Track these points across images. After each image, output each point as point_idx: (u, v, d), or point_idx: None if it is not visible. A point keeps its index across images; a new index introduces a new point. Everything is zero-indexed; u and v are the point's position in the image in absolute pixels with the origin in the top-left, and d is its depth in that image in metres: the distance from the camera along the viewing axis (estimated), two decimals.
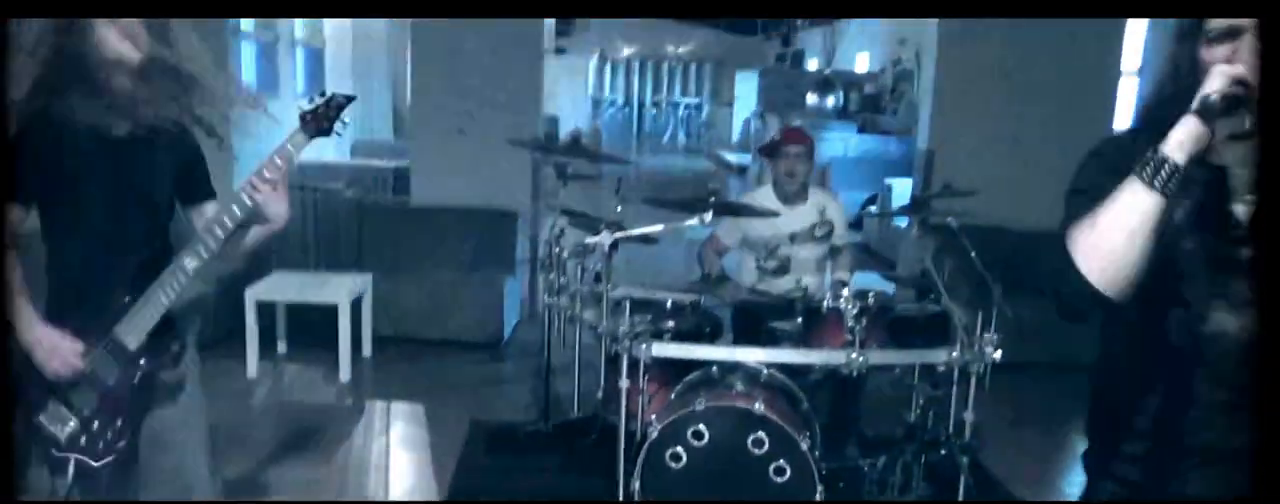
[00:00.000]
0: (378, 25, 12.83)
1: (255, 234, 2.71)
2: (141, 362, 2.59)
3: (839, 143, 13.52)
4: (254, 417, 5.52)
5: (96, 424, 2.59)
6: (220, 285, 6.22)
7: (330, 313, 5.90)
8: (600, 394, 4.65)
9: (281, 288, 6.12)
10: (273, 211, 2.63)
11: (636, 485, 3.80)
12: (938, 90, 7.47)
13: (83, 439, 2.59)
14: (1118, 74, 7.49)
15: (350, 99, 2.66)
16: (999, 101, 7.23)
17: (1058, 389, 6.14)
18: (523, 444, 5.02)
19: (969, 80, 7.30)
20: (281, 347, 6.36)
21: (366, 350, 6.33)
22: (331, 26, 11.48)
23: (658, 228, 4.08)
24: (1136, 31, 9.58)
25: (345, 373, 5.94)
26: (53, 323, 2.57)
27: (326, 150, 10.72)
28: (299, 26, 10.63)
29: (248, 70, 8.35)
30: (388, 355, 6.37)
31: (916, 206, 5.16)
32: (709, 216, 3.97)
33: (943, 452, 4.27)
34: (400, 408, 5.64)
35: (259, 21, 9.40)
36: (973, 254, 4.48)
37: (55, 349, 2.55)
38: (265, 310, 6.05)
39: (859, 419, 4.60)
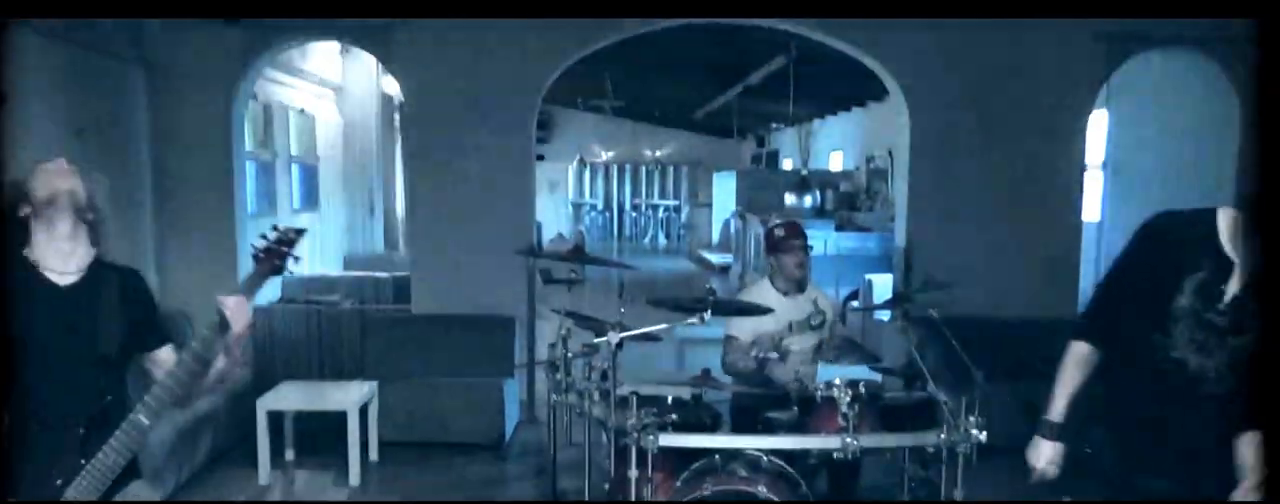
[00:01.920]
0: (368, 141, 13.21)
1: (212, 381, 2.73)
2: None
3: (818, 241, 13.75)
4: None
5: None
6: (229, 396, 6.45)
7: (336, 419, 6.11)
8: (608, 485, 4.85)
9: (290, 397, 6.34)
10: (239, 353, 2.70)
11: None
12: (912, 188, 7.81)
13: None
14: (1082, 168, 7.85)
15: (301, 232, 2.73)
16: (970, 198, 7.57)
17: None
18: None
19: (940, 178, 7.65)
20: (289, 454, 6.54)
21: (374, 455, 6.51)
22: (324, 145, 11.83)
23: (661, 326, 4.35)
24: (1099, 125, 10.01)
25: (355, 477, 6.13)
26: (16, 482, 2.54)
27: (324, 264, 11.01)
28: (294, 145, 10.97)
29: (249, 187, 8.64)
30: (394, 459, 6.56)
31: (899, 300, 5.44)
32: (708, 315, 4.23)
33: None
34: None
35: (259, 143, 9.75)
36: (954, 342, 4.73)
37: None
38: (274, 419, 6.25)
39: (855, 501, 4.83)
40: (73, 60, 6.27)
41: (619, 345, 4.31)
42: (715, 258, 18.95)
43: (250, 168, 9.00)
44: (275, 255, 2.67)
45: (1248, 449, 2.66)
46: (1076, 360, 3.06)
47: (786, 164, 23.14)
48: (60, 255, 2.69)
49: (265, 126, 9.95)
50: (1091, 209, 10.19)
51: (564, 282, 5.63)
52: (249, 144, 9.05)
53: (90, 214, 2.72)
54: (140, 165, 7.16)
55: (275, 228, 2.71)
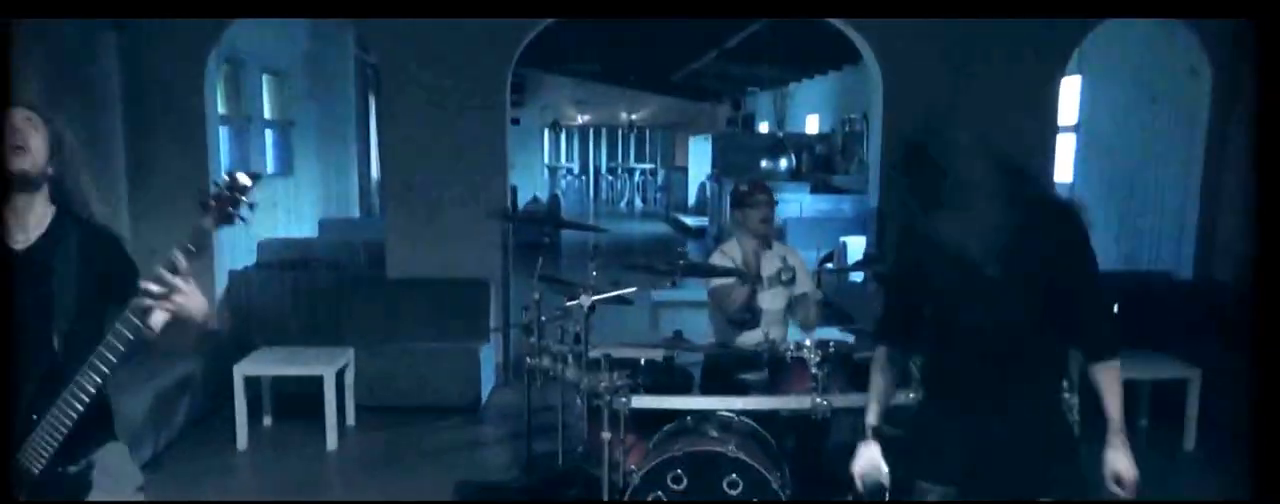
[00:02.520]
0: (345, 105, 13.15)
1: (185, 329, 2.64)
2: (48, 485, 2.55)
3: (794, 203, 13.92)
4: (247, 488, 5.73)
5: None
6: (207, 362, 6.48)
7: (313, 384, 6.14)
8: (582, 448, 4.91)
9: (267, 362, 6.36)
10: (192, 309, 2.56)
11: None
12: (885, 151, 7.86)
13: None
14: (1055, 130, 7.91)
15: (256, 178, 2.58)
16: (943, 160, 7.60)
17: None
18: (507, 499, 5.27)
19: (914, 137, 7.67)
20: (267, 419, 6.57)
21: (351, 420, 6.55)
22: (299, 109, 11.77)
23: (633, 290, 4.40)
24: (1072, 87, 10.07)
25: (332, 442, 6.17)
26: None
27: (298, 228, 11.00)
28: (268, 108, 10.92)
29: (223, 152, 8.60)
30: (371, 424, 6.60)
31: (871, 261, 5.50)
32: (679, 278, 4.28)
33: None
34: (387, 473, 5.86)
35: (232, 105, 9.70)
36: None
37: None
38: (251, 384, 6.28)
39: (825, 460, 4.90)
40: (44, 21, 6.20)
41: (591, 308, 4.36)
42: (691, 221, 19.01)
43: (223, 131, 8.96)
44: (225, 203, 2.52)
45: (1105, 377, 2.88)
46: (879, 364, 3.11)
47: (763, 127, 23.16)
48: (17, 218, 2.63)
49: (238, 90, 9.89)
50: (1063, 171, 10.28)
51: (538, 245, 5.66)
52: (222, 107, 9.00)
53: (50, 169, 2.65)
54: (113, 130, 7.12)
55: (227, 173, 2.57)
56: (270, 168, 10.88)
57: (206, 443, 6.22)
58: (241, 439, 6.15)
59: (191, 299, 2.54)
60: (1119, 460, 2.83)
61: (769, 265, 5.24)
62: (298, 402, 6.45)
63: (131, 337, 2.51)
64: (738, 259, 5.19)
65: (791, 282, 5.25)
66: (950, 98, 7.59)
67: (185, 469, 5.81)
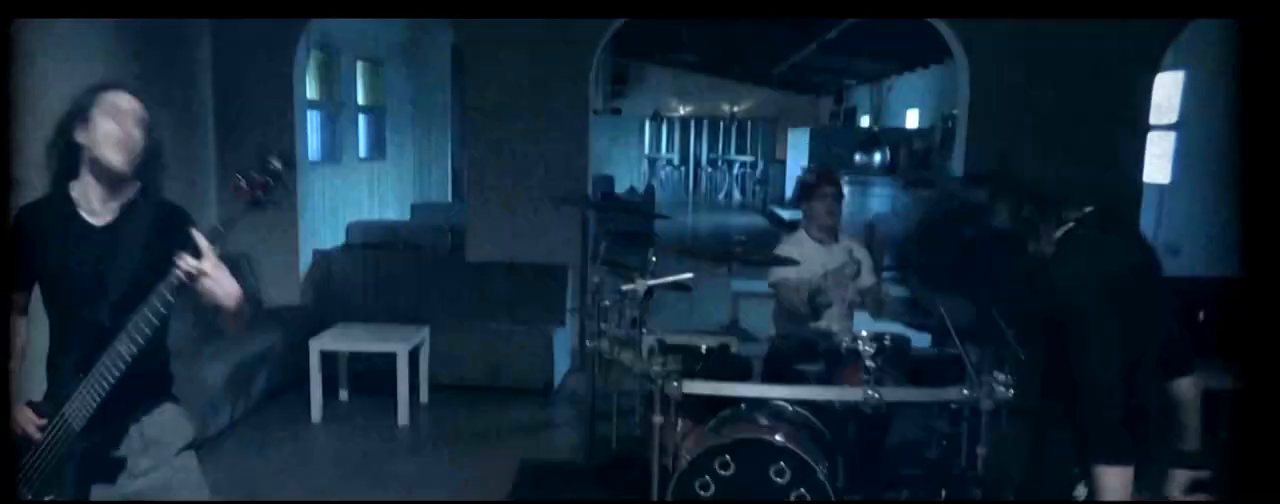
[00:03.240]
0: (441, 92, 13.36)
1: (223, 315, 2.75)
2: (89, 439, 2.69)
3: (885, 198, 13.79)
4: (318, 459, 5.91)
5: (48, 498, 2.69)
6: (285, 336, 6.66)
7: (388, 361, 6.29)
8: (639, 432, 4.96)
9: (344, 339, 6.52)
10: (220, 294, 2.66)
11: None
12: (970, 147, 7.75)
13: None
14: (1146, 127, 7.72)
15: (285, 163, 2.69)
16: (1029, 155, 7.49)
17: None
18: (569, 481, 5.35)
19: (999, 137, 7.58)
20: (343, 394, 6.74)
21: (424, 397, 6.69)
22: (393, 94, 12.01)
23: (687, 276, 4.42)
24: (1167, 84, 9.81)
25: (404, 417, 6.31)
26: (50, 394, 2.72)
27: (388, 211, 11.22)
28: (362, 93, 11.15)
29: (313, 138, 8.82)
30: (444, 402, 6.72)
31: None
32: (735, 266, 4.29)
33: (956, 484, 4.51)
34: (455, 449, 5.97)
35: (324, 91, 9.91)
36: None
37: (17, 422, 2.67)
38: (328, 359, 6.45)
39: (883, 456, 4.87)
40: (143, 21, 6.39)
41: (648, 293, 4.39)
42: (787, 214, 18.91)
43: (314, 117, 9.18)
44: (256, 187, 2.63)
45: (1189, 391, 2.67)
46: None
47: (864, 121, 22.94)
48: (100, 197, 2.75)
49: (331, 76, 10.12)
50: (1161, 170, 10.02)
51: (634, 234, 5.69)
52: (313, 93, 9.23)
53: (141, 158, 2.74)
54: (204, 114, 7.34)
55: (259, 157, 2.67)
56: (362, 153, 11.12)
57: (282, 414, 6.41)
58: (315, 412, 6.32)
59: (218, 282, 2.64)
60: None
61: (835, 259, 5.22)
62: (374, 378, 6.60)
63: (163, 310, 2.63)
64: (801, 252, 5.17)
65: (857, 275, 5.22)
66: (1038, 92, 7.45)
67: (259, 437, 6.02)
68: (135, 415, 2.80)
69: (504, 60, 7.56)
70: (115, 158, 2.68)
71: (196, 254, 2.58)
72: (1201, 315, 6.83)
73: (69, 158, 2.73)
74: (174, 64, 6.97)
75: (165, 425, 2.88)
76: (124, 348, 2.63)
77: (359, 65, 11.03)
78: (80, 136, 2.70)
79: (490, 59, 7.61)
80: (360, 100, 11.11)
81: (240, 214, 2.64)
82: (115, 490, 2.76)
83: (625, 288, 4.54)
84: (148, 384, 2.84)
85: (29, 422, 2.67)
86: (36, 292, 2.84)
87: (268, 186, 2.63)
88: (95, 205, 2.76)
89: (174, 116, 6.87)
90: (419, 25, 12.42)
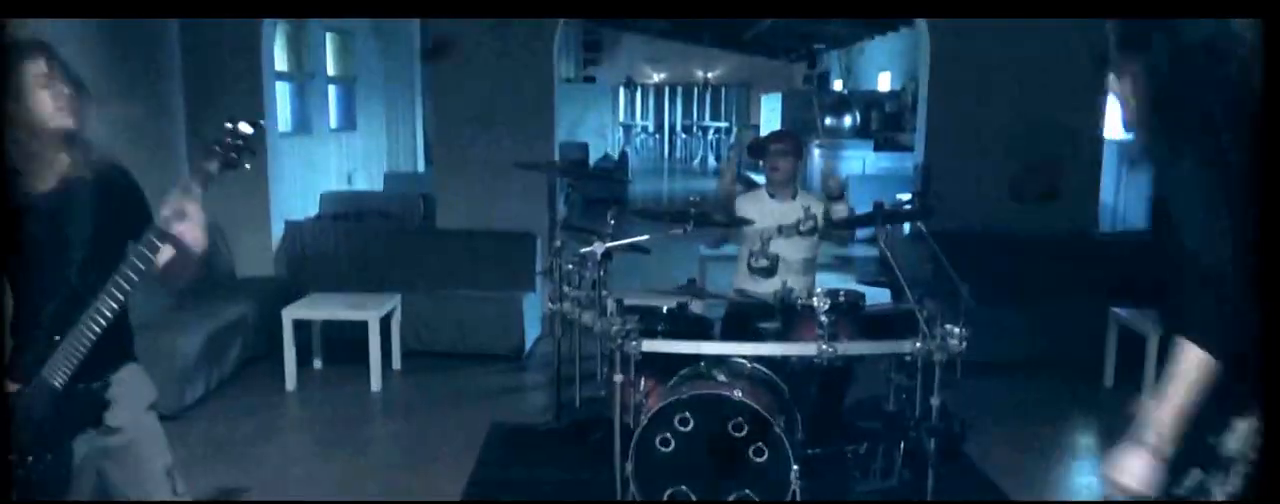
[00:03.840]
0: (409, 58, 13.37)
1: (181, 262, 2.81)
2: (69, 398, 2.74)
3: (856, 160, 13.92)
4: (292, 425, 6.02)
5: (30, 456, 2.72)
6: (258, 305, 6.75)
7: (361, 329, 6.38)
8: (603, 392, 5.08)
9: (316, 308, 6.61)
10: (190, 240, 2.73)
11: (630, 468, 4.22)
12: (931, 107, 7.86)
13: (17, 468, 2.71)
14: (1106, 88, 7.81)
15: (255, 126, 2.77)
16: (989, 117, 7.61)
17: (1034, 386, 6.57)
18: (537, 442, 5.48)
19: (959, 98, 7.69)
20: (317, 362, 6.84)
21: (396, 363, 6.79)
22: (363, 65, 12.03)
23: (644, 237, 4.52)
24: None
25: (376, 383, 6.42)
26: (14, 357, 2.74)
27: (360, 181, 11.28)
28: (331, 65, 11.18)
29: (283, 109, 8.86)
30: (416, 368, 6.84)
31: (877, 213, 5.51)
32: (691, 227, 4.40)
33: (912, 434, 4.65)
34: (427, 413, 6.08)
35: (293, 61, 9.94)
36: (941, 256, 4.85)
37: None
38: (302, 328, 6.55)
39: (843, 409, 5.00)
40: None
41: (607, 255, 4.50)
42: (760, 178, 19.01)
43: (284, 88, 9.23)
44: (229, 150, 2.71)
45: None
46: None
47: (837, 85, 23.02)
48: (42, 165, 2.77)
49: (300, 47, 10.15)
50: (1113, 127, 10.15)
51: (607, 201, 5.79)
52: (282, 64, 9.26)
53: (77, 116, 2.76)
54: (173, 85, 7.38)
55: (231, 119, 2.75)
56: (333, 122, 11.16)
57: (257, 383, 6.51)
58: (290, 380, 6.42)
59: (197, 226, 2.73)
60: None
61: (790, 214, 5.33)
62: (347, 346, 6.69)
63: (143, 266, 2.70)
64: (758, 209, 5.29)
65: (813, 232, 5.33)
66: (998, 56, 7.56)
67: (234, 406, 6.11)
68: (103, 374, 2.86)
69: (470, 29, 7.61)
70: (58, 123, 2.72)
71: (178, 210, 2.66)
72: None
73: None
74: (142, 37, 6.99)
75: (130, 384, 2.95)
76: (104, 306, 2.71)
77: (328, 36, 11.05)
78: (11, 105, 2.70)
79: (453, 28, 7.66)
80: (330, 71, 11.14)
81: (215, 172, 2.71)
82: (84, 444, 2.83)
83: (584, 251, 4.65)
84: (112, 344, 2.87)
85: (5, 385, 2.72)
86: None
87: (238, 148, 2.71)
88: (40, 175, 2.77)
89: (143, 91, 6.91)
90: None
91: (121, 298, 2.72)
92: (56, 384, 2.74)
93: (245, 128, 2.74)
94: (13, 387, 2.73)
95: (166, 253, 2.77)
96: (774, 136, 5.46)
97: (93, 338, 2.73)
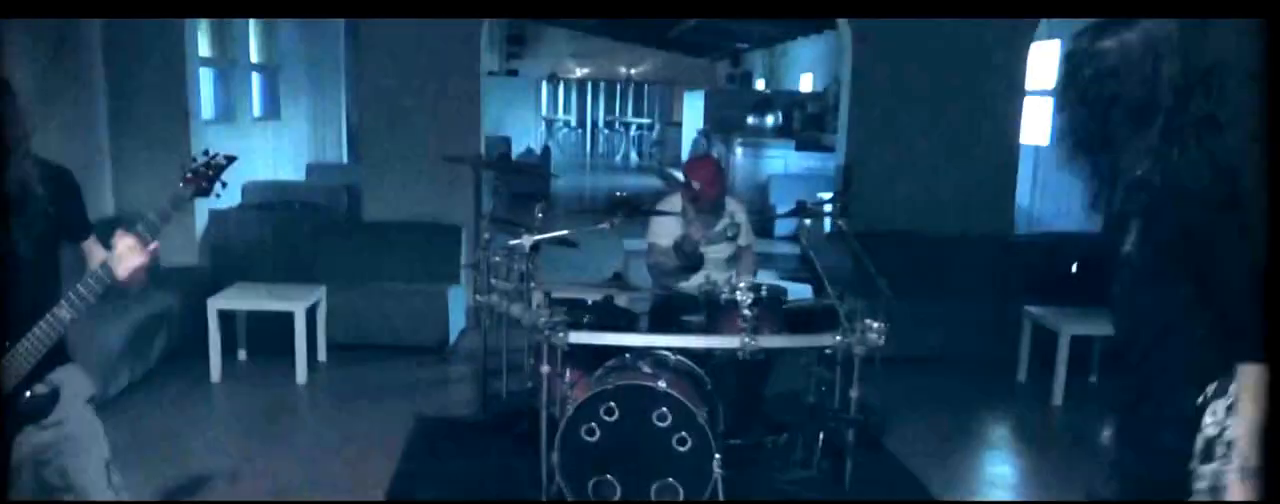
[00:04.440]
0: (333, 49, 13.29)
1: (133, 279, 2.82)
2: (15, 400, 2.78)
3: (778, 160, 14.12)
4: (217, 416, 6.00)
5: None
6: (183, 296, 6.71)
7: (286, 320, 6.38)
8: (530, 384, 5.14)
9: (241, 298, 6.59)
10: (135, 271, 2.76)
11: (556, 458, 4.30)
12: (852, 110, 8.04)
13: None
14: (1022, 93, 8.06)
15: (231, 160, 2.88)
16: (908, 121, 7.81)
17: (951, 379, 6.77)
18: (463, 433, 5.53)
19: (880, 101, 7.87)
20: (242, 354, 6.82)
21: (322, 355, 6.79)
22: (287, 53, 11.93)
23: (567, 232, 4.60)
24: (1049, 52, 10.20)
25: (301, 375, 6.42)
26: None
27: (283, 171, 11.19)
28: (255, 51, 11.08)
29: (206, 96, 8.79)
30: (341, 360, 6.85)
31: (800, 210, 5.67)
32: (618, 221, 4.49)
33: (832, 425, 4.79)
34: (353, 405, 6.10)
35: (217, 48, 9.85)
36: (861, 254, 5.00)
37: None
38: (226, 318, 6.52)
39: (763, 401, 5.13)
40: None
41: (534, 248, 4.57)
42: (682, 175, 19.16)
43: (207, 74, 9.14)
44: (202, 178, 2.82)
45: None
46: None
47: (759, 84, 23.26)
48: None
49: (224, 33, 10.05)
50: (1041, 134, 10.44)
51: (533, 195, 5.84)
52: (206, 51, 9.17)
53: (15, 126, 2.71)
54: (94, 73, 7.29)
55: (206, 153, 2.85)
56: (257, 111, 11.07)
57: (181, 374, 6.47)
58: (215, 371, 6.40)
59: (144, 265, 2.79)
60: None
61: (715, 222, 5.45)
62: (271, 338, 6.66)
63: (109, 282, 2.75)
64: (676, 221, 5.41)
65: (736, 237, 5.46)
66: (918, 60, 7.74)
67: (158, 398, 6.08)
68: (44, 376, 2.88)
69: (394, 20, 7.61)
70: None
71: (152, 232, 2.75)
72: (1074, 268, 7.25)
73: None
74: (61, 22, 6.90)
75: (70, 383, 2.96)
76: (65, 314, 2.75)
77: (251, 23, 10.95)
78: None
79: (381, 19, 7.65)
80: (253, 58, 11.05)
81: (187, 200, 2.82)
82: (25, 439, 2.84)
83: (512, 243, 4.72)
84: (55, 347, 2.89)
85: None
86: None
87: (211, 178, 2.82)
88: None
89: (63, 76, 6.83)
90: None
91: (82, 309, 2.76)
92: (6, 387, 2.75)
93: (221, 160, 2.85)
94: None
95: (126, 266, 2.78)
96: (691, 170, 5.60)
97: (49, 343, 2.77)
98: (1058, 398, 6.38)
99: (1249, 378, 2.05)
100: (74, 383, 2.98)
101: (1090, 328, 6.40)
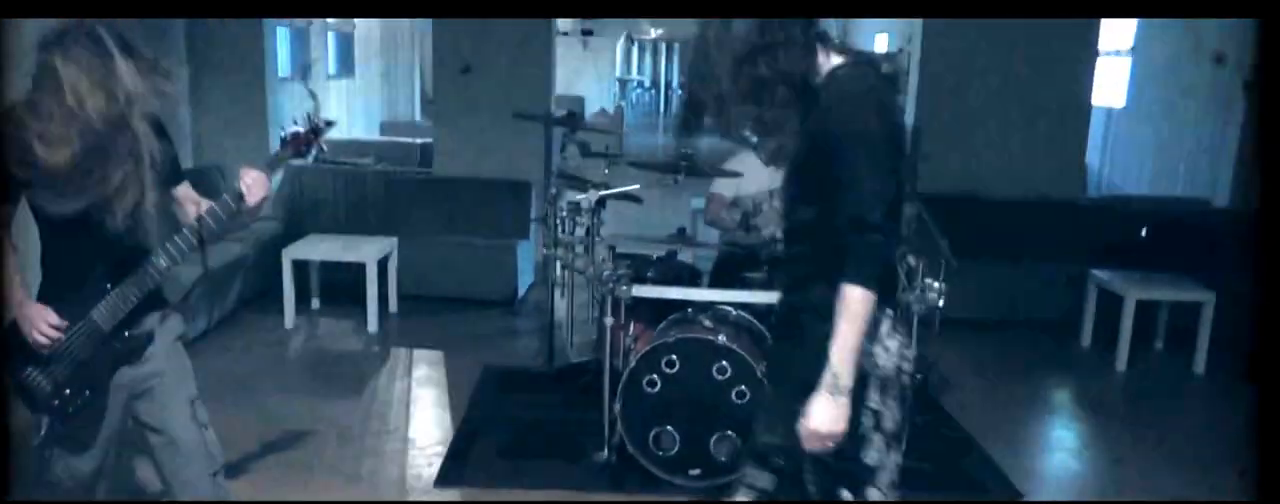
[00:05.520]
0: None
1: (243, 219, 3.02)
2: (113, 341, 2.93)
3: None
4: (290, 362, 6.18)
5: (68, 391, 2.92)
6: (258, 247, 6.90)
7: (358, 271, 6.54)
8: (594, 336, 5.24)
9: (315, 248, 6.77)
10: (254, 204, 2.92)
11: (618, 408, 4.40)
12: (922, 71, 7.99)
13: (56, 402, 2.93)
14: (1094, 54, 7.95)
15: (330, 124, 3.00)
16: (980, 81, 7.73)
17: (1014, 342, 6.75)
18: (528, 384, 5.65)
19: (951, 61, 7.81)
20: (315, 302, 7.01)
21: (393, 306, 6.96)
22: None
23: (635, 187, 4.67)
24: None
25: (373, 325, 6.59)
26: (45, 301, 2.89)
27: (356, 129, 11.38)
28: None
29: (282, 54, 8.95)
30: (412, 310, 7.01)
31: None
32: (682, 177, 4.55)
33: None
34: (421, 355, 6.25)
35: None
36: (926, 216, 5.01)
37: (36, 322, 2.85)
38: (300, 269, 6.71)
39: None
40: None
41: (599, 203, 4.65)
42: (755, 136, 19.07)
43: (283, 33, 9.31)
44: (301, 141, 2.94)
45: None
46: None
47: None
48: (97, 126, 2.75)
49: None
50: (1116, 95, 10.30)
51: (603, 155, 5.89)
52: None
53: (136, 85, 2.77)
54: (174, 30, 7.47)
55: (308, 116, 2.96)
56: (331, 70, 11.25)
57: (256, 320, 6.68)
58: (289, 318, 6.59)
59: (260, 198, 2.93)
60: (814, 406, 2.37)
61: (779, 178, 5.44)
62: (344, 288, 6.85)
63: (215, 227, 2.90)
64: (746, 167, 5.41)
65: None
66: (989, 26, 7.65)
67: (234, 342, 6.29)
68: (142, 320, 3.01)
69: None
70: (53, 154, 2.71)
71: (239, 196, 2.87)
72: (1143, 232, 7.19)
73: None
74: None
75: (164, 324, 3.10)
76: (163, 261, 2.90)
77: None
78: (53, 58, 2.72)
79: None
80: (328, 19, 11.22)
81: (287, 157, 2.97)
82: (121, 376, 2.99)
83: (577, 198, 4.80)
84: (154, 292, 3.03)
85: (48, 325, 2.86)
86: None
87: (308, 144, 2.94)
88: (94, 127, 2.76)
89: (145, 36, 6.98)
90: None
91: (180, 259, 2.90)
92: (104, 328, 2.91)
93: (319, 123, 2.96)
94: (51, 329, 2.86)
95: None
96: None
97: (148, 288, 2.92)
98: (1121, 364, 6.34)
99: (846, 298, 2.29)
100: (168, 325, 3.11)
101: (1156, 293, 6.37)
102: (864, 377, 2.43)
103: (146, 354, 3.02)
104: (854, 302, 2.30)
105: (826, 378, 2.34)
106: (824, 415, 2.34)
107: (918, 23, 8.11)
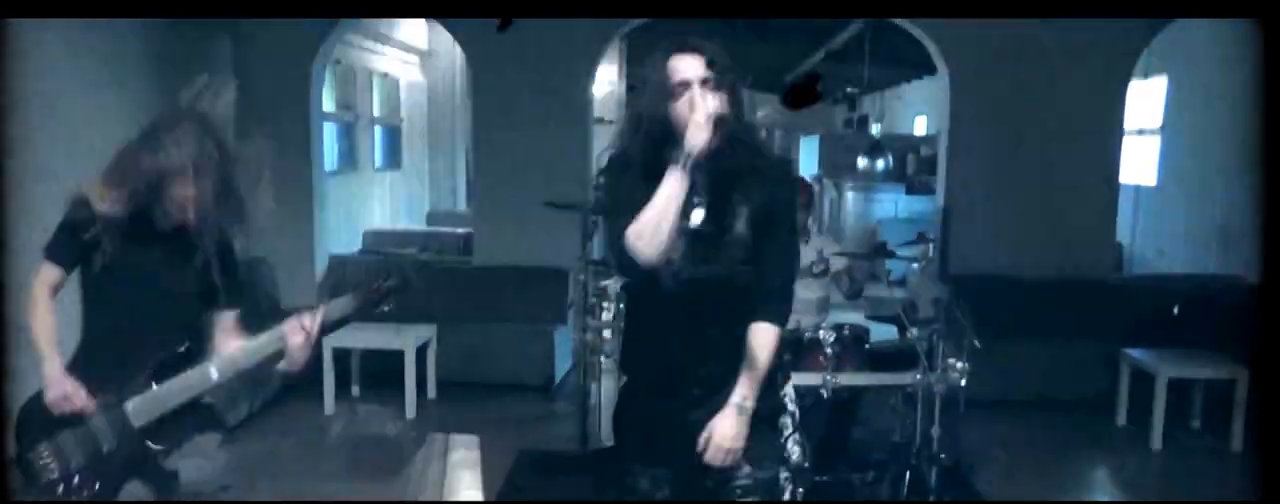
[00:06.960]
0: (453, 104, 13.79)
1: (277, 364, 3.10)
2: (143, 440, 2.89)
3: (888, 203, 14.18)
4: (329, 448, 6.32)
5: (76, 478, 2.85)
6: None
7: (398, 359, 6.71)
8: None
9: (355, 337, 6.93)
10: (296, 357, 3.04)
11: None
12: (951, 152, 8.12)
13: (60, 487, 2.84)
14: (1122, 131, 8.04)
15: (404, 286, 3.15)
16: (1008, 163, 7.83)
17: (1048, 422, 6.73)
18: (562, 467, 5.75)
19: (980, 141, 7.93)
20: (355, 389, 7.17)
21: (431, 392, 7.11)
22: (408, 107, 12.46)
23: None
24: (1154, 91, 10.13)
25: (411, 411, 6.74)
26: (76, 374, 2.87)
27: (406, 219, 11.66)
28: (377, 106, 11.60)
29: (330, 149, 9.24)
30: (451, 397, 7.17)
31: (881, 251, 5.78)
32: None
33: (914, 464, 4.89)
34: (457, 439, 6.35)
35: (340, 104, 10.35)
36: (945, 294, 5.12)
37: (62, 391, 2.82)
38: (341, 357, 6.89)
39: (850, 440, 5.25)
40: (164, 34, 6.75)
41: (624, 287, 4.77)
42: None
43: (331, 128, 9.62)
44: (371, 299, 3.14)
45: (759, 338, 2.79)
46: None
47: (876, 129, 23.22)
48: (175, 204, 2.95)
49: (348, 89, 10.57)
50: (1147, 173, 10.34)
51: None
52: (330, 106, 9.66)
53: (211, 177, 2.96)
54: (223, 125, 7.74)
55: (387, 276, 3.15)
56: (378, 162, 11.57)
57: (296, 409, 6.84)
58: (329, 405, 6.76)
59: (307, 349, 3.10)
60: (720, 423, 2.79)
61: (805, 257, 5.58)
62: (385, 375, 7.00)
63: (268, 352, 3.06)
64: None
65: (824, 274, 5.59)
66: (1017, 102, 7.78)
67: (274, 427, 6.48)
68: (183, 429, 3.02)
69: (508, 72, 7.93)
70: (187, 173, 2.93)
71: (302, 330, 3.02)
72: (1176, 309, 7.18)
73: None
74: (191, 73, 7.34)
75: (200, 451, 3.11)
76: (215, 372, 2.95)
77: (374, 80, 11.48)
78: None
79: (495, 73, 7.99)
80: (375, 113, 11.57)
81: (363, 308, 3.16)
82: (136, 489, 2.95)
83: (604, 283, 4.94)
84: (200, 408, 3.09)
85: (73, 397, 2.84)
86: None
87: (376, 303, 3.16)
88: (169, 212, 2.94)
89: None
90: (433, 37, 12.85)
91: (230, 375, 2.97)
92: (134, 423, 2.89)
93: (390, 284, 3.15)
94: (75, 396, 2.83)
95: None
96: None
97: (184, 397, 2.91)
98: (1156, 443, 6.32)
99: (767, 336, 2.79)
100: (204, 455, 3.10)
101: (1189, 371, 6.37)
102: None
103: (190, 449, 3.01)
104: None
105: (735, 398, 2.78)
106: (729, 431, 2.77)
107: (945, 103, 8.25)
